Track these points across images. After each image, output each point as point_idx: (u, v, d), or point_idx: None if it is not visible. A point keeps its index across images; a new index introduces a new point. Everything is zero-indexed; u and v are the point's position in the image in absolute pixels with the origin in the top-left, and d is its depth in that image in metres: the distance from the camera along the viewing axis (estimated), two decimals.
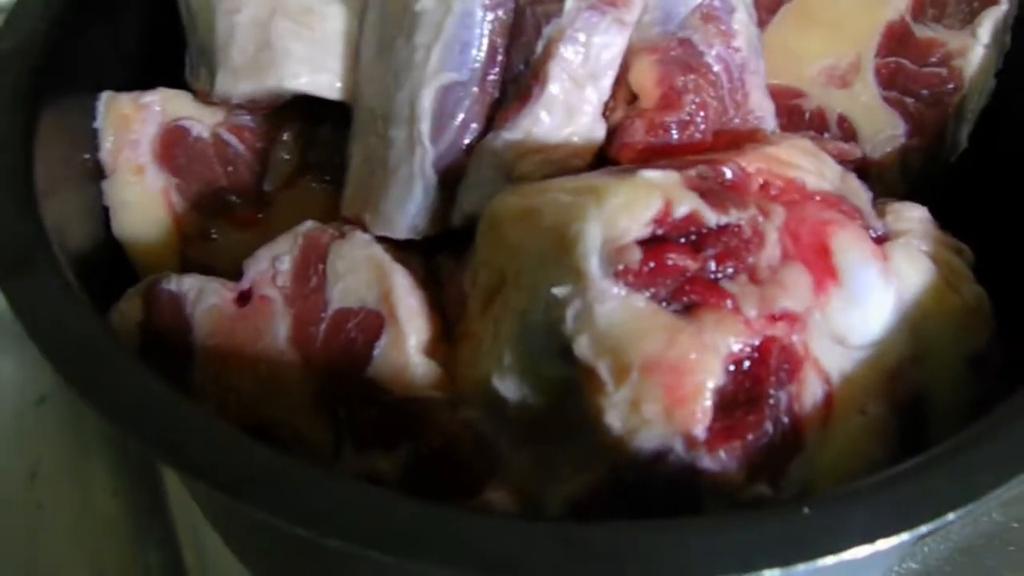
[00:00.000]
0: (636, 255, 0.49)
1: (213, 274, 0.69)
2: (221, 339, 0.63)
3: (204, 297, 0.64)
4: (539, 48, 0.58)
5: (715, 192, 0.52)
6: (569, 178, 0.55)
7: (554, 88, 0.57)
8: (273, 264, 0.64)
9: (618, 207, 0.50)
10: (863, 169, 0.70)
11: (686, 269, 0.50)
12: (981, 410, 0.57)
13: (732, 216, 0.52)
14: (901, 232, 0.60)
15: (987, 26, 0.73)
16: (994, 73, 0.75)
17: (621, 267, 0.49)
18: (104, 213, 0.73)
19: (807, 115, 0.73)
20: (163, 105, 0.73)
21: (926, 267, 0.59)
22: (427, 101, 0.59)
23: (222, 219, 0.74)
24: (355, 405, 0.60)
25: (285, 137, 0.74)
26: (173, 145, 0.73)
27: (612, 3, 0.57)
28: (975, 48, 0.72)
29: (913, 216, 0.61)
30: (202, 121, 0.74)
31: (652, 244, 0.51)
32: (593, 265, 0.50)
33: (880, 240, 0.58)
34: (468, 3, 0.58)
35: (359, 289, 0.61)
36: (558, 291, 0.50)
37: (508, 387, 0.55)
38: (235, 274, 0.66)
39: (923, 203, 0.68)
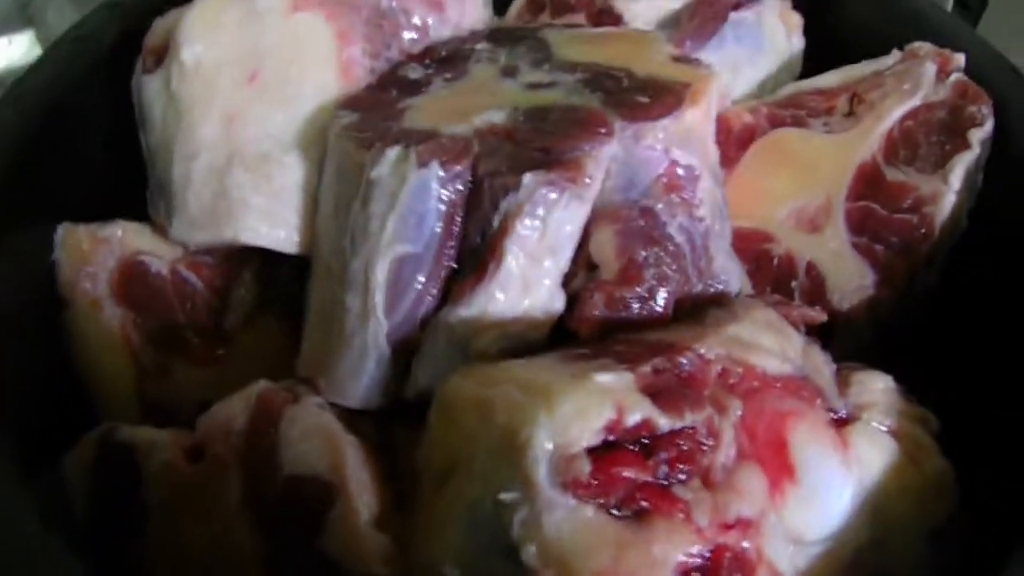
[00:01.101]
0: (585, 467, 0.48)
1: (171, 410, 0.69)
2: (172, 496, 0.62)
3: (155, 452, 0.63)
4: (496, 222, 0.57)
5: (670, 392, 0.51)
6: (524, 366, 0.54)
7: (510, 264, 0.56)
8: (227, 422, 0.63)
9: (569, 415, 0.49)
10: (831, 320, 0.69)
11: (636, 479, 0.49)
12: None
13: (687, 419, 0.51)
14: (865, 407, 0.60)
15: (958, 172, 0.72)
16: (966, 213, 0.73)
17: (570, 477, 0.48)
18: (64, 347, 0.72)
19: (775, 261, 0.72)
20: (122, 238, 0.73)
21: (888, 447, 0.58)
22: (381, 273, 0.58)
23: (180, 356, 0.73)
24: (305, 575, 0.59)
25: (245, 276, 0.73)
26: (131, 280, 0.72)
27: (571, 179, 0.56)
28: (947, 195, 0.72)
29: (877, 388, 0.61)
30: (161, 257, 0.73)
31: (602, 452, 0.50)
32: (542, 474, 0.49)
33: (842, 422, 0.57)
34: (423, 175, 0.57)
35: (310, 457, 0.60)
36: (506, 496, 0.50)
37: (459, 573, 0.53)
38: (194, 411, 0.65)
39: (892, 348, 0.68)
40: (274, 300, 0.73)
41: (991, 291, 0.73)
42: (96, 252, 0.72)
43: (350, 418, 0.61)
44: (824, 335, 0.66)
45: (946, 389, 0.65)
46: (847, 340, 0.69)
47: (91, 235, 0.72)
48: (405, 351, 0.59)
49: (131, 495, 0.62)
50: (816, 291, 0.70)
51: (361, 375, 0.59)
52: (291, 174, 0.66)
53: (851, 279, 0.71)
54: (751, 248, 0.71)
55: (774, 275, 0.71)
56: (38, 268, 0.72)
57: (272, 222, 0.66)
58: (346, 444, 0.59)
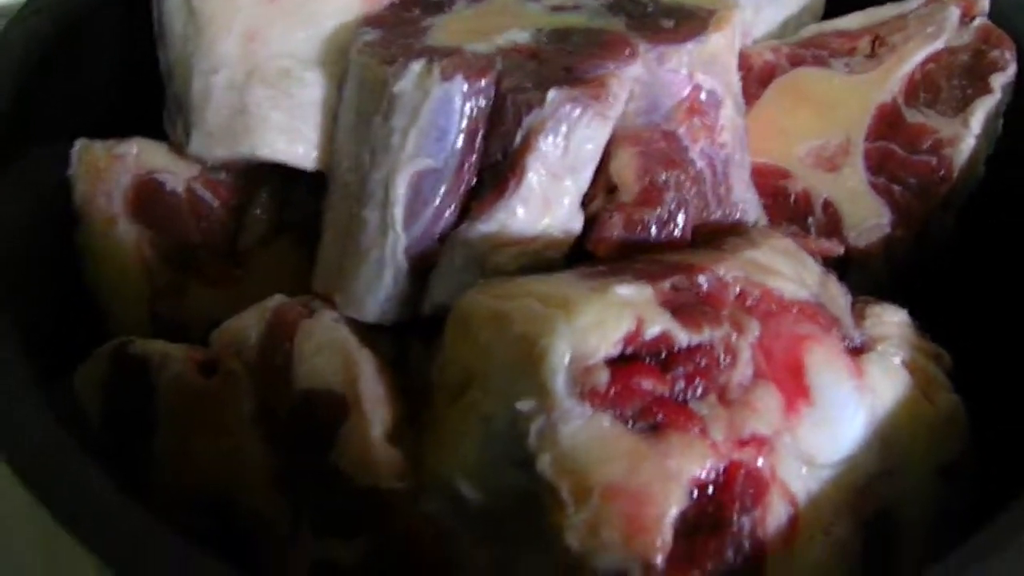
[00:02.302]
0: (604, 377, 0.48)
1: (184, 330, 0.69)
2: (184, 409, 0.62)
3: (169, 365, 0.63)
4: (518, 138, 0.56)
5: (689, 308, 0.51)
6: (543, 280, 0.54)
7: (531, 181, 0.56)
8: (240, 337, 0.62)
9: (588, 325, 0.49)
10: (846, 258, 0.69)
11: (654, 392, 0.49)
12: (951, 520, 0.57)
13: (705, 335, 0.51)
14: (879, 339, 0.59)
15: (979, 115, 0.72)
16: (984, 160, 0.72)
17: (588, 388, 0.49)
18: (77, 263, 0.72)
19: (792, 198, 0.72)
20: (138, 156, 0.72)
21: (902, 379, 0.58)
22: (401, 186, 0.57)
23: (194, 275, 0.73)
24: (315, 489, 0.59)
25: (261, 196, 0.73)
26: (146, 198, 0.72)
27: (595, 97, 0.56)
28: (966, 138, 0.72)
29: (892, 321, 0.61)
30: (177, 174, 0.72)
31: (621, 364, 0.50)
32: (560, 383, 0.49)
33: (857, 351, 0.57)
34: (447, 89, 0.56)
35: (325, 372, 0.60)
36: (523, 406, 0.50)
37: (470, 488, 0.54)
38: (206, 331, 0.65)
39: (907, 291, 0.67)
40: (290, 221, 0.73)
41: (1006, 239, 0.72)
42: (112, 169, 0.72)
43: (366, 333, 0.61)
44: (840, 272, 0.66)
45: (959, 333, 0.65)
46: (862, 277, 0.69)
47: (107, 151, 0.72)
48: (423, 266, 0.58)
49: (143, 408, 0.62)
50: (832, 228, 0.70)
51: (378, 289, 0.59)
52: (311, 91, 0.65)
53: (868, 217, 0.71)
54: (768, 184, 0.71)
55: (791, 211, 0.70)
56: (53, 183, 0.72)
57: (291, 138, 0.65)
58: (361, 358, 0.59)
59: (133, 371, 0.64)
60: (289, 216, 0.73)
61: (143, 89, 0.74)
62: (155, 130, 0.73)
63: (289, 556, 0.58)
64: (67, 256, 0.72)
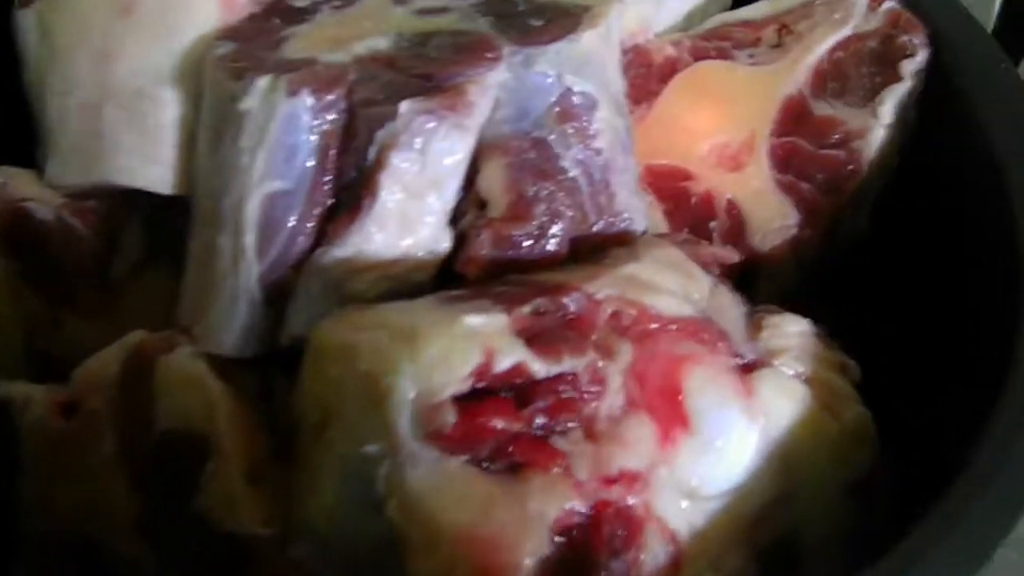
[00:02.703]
0: (450, 417, 0.45)
1: (62, 363, 0.64)
2: (46, 453, 0.59)
3: (30, 407, 0.60)
4: (371, 155, 0.53)
5: (548, 335, 0.47)
6: (397, 309, 0.51)
7: (386, 200, 0.53)
8: (101, 374, 0.60)
9: (433, 360, 0.45)
10: (752, 262, 0.66)
11: (509, 429, 0.45)
12: (862, 538, 0.54)
13: (566, 364, 0.47)
14: (776, 352, 0.56)
15: (889, 105, 0.68)
16: (898, 151, 0.69)
17: (433, 429, 0.45)
18: None
19: (694, 200, 0.68)
20: (5, 185, 0.68)
21: (799, 395, 0.55)
22: (252, 211, 0.54)
23: (69, 307, 0.69)
24: (180, 534, 0.56)
25: (133, 221, 0.69)
26: (16, 228, 0.68)
27: (451, 107, 0.52)
28: (876, 129, 0.68)
29: (792, 331, 0.57)
30: (47, 203, 0.68)
31: (471, 400, 0.46)
32: (404, 425, 0.46)
33: (748, 368, 0.53)
34: (293, 105, 0.53)
35: (184, 410, 0.57)
36: (370, 449, 0.46)
37: (332, 531, 0.51)
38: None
39: (819, 294, 0.65)
40: (163, 249, 0.69)
41: (924, 233, 0.69)
42: None
43: (228, 367, 0.58)
44: (749, 279, 0.64)
45: (877, 339, 0.63)
46: (771, 283, 0.66)
47: None
48: (279, 295, 0.55)
49: (9, 451, 0.60)
50: (736, 231, 0.66)
51: (233, 321, 0.55)
52: (167, 111, 0.61)
53: (774, 219, 0.67)
54: (669, 186, 0.68)
55: (692, 215, 0.67)
56: None
57: (146, 161, 0.62)
58: (219, 394, 0.56)
59: None
60: (163, 243, 0.69)
61: (15, 116, 0.70)
62: (28, 160, 0.69)
63: None
64: None
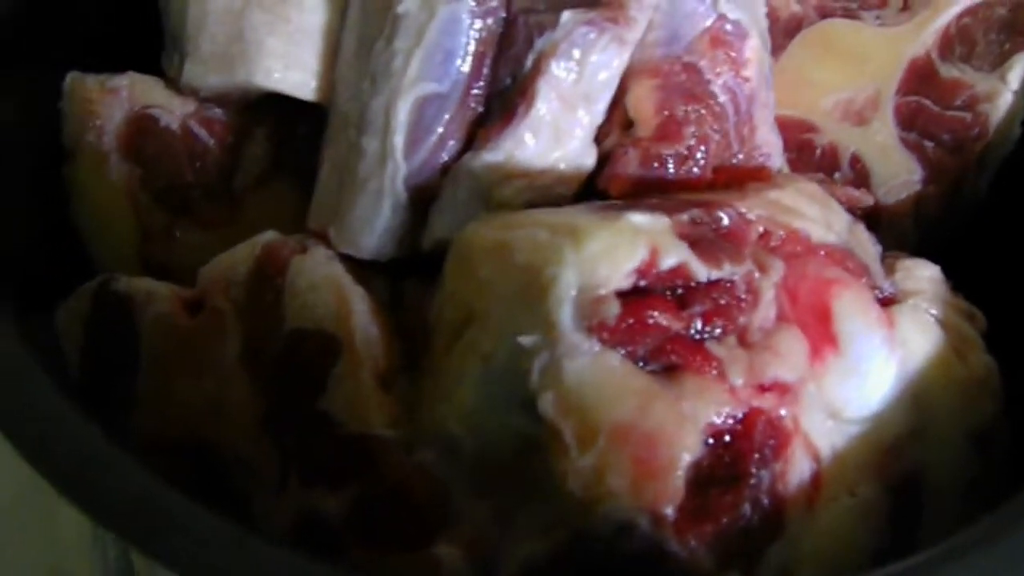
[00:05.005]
0: (614, 309, 0.45)
1: (173, 275, 0.65)
2: (167, 349, 0.59)
3: (153, 302, 0.60)
4: (529, 62, 0.53)
5: (708, 242, 0.47)
6: (550, 211, 0.51)
7: (542, 108, 0.53)
8: (228, 273, 0.60)
9: (598, 253, 0.46)
10: (874, 215, 0.66)
11: (669, 328, 0.45)
12: (980, 492, 0.54)
13: (725, 271, 0.47)
14: (910, 293, 0.56)
15: (1018, 71, 0.69)
16: (1021, 121, 0.69)
17: (596, 321, 0.45)
18: (64, 201, 0.69)
19: (818, 152, 0.69)
20: (131, 91, 0.69)
21: (934, 335, 0.55)
22: (403, 112, 0.54)
23: (186, 217, 0.70)
24: (304, 435, 0.56)
25: (259, 134, 0.70)
26: (139, 134, 0.69)
27: (613, 19, 0.52)
28: (1004, 94, 0.68)
29: (924, 276, 0.57)
30: (172, 111, 0.69)
31: (633, 297, 0.46)
32: (565, 316, 0.45)
33: (886, 302, 0.54)
34: (454, 8, 0.53)
35: (316, 310, 0.57)
36: (525, 340, 0.46)
37: (467, 434, 0.51)
38: (195, 277, 0.62)
39: (936, 254, 0.64)
40: (287, 162, 0.69)
41: None
42: (104, 104, 0.68)
43: (361, 272, 0.58)
44: (870, 230, 0.62)
45: (987, 302, 0.62)
46: (891, 236, 0.66)
47: (100, 85, 0.69)
48: (423, 198, 0.55)
49: (125, 347, 0.60)
50: (860, 183, 0.67)
51: (375, 222, 0.56)
52: (310, 16, 0.63)
53: (898, 174, 0.68)
54: (793, 137, 0.68)
55: (817, 165, 0.68)
56: (43, 117, 0.69)
57: (287, 64, 0.63)
58: (355, 296, 0.56)
59: (116, 309, 0.61)
60: (287, 156, 0.69)
61: (139, 27, 0.71)
62: (151, 67, 0.71)
63: (275, 505, 0.55)
64: (55, 191, 0.69)
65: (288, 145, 0.70)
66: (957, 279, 0.63)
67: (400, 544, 0.52)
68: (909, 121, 0.70)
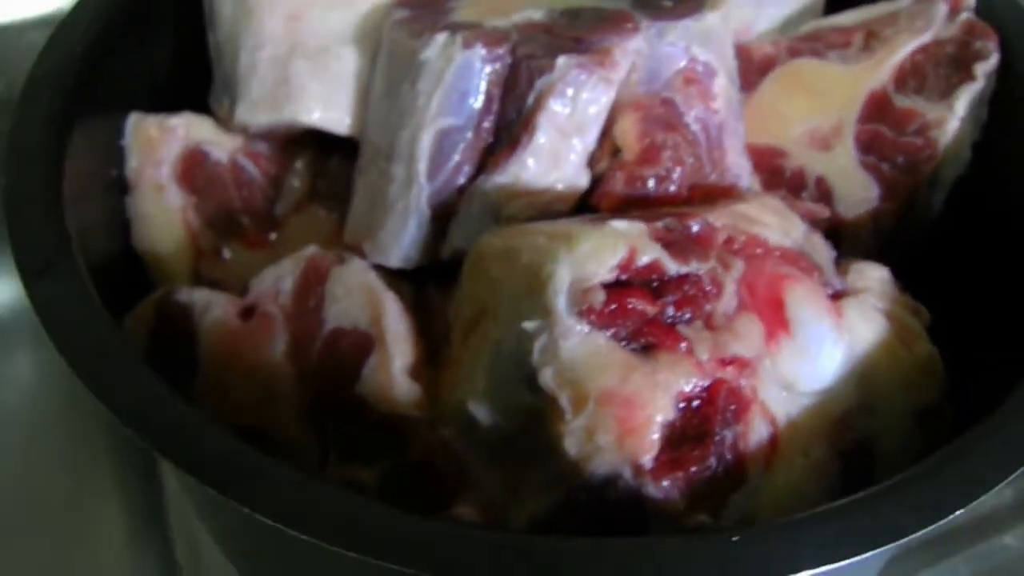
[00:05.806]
0: (600, 297, 0.54)
1: (222, 289, 0.74)
2: (223, 349, 0.68)
3: (211, 310, 0.69)
4: (531, 100, 0.63)
5: (679, 243, 0.56)
6: (549, 223, 0.60)
7: (542, 138, 0.62)
8: (276, 283, 0.68)
9: (587, 252, 0.55)
10: (837, 229, 0.75)
11: (645, 313, 0.54)
12: None
13: (692, 266, 0.56)
14: (860, 290, 0.64)
15: (963, 100, 0.77)
16: (970, 144, 0.78)
17: (586, 307, 0.54)
18: (126, 225, 0.78)
19: (788, 174, 0.77)
20: (186, 129, 0.78)
21: (879, 324, 0.63)
22: (426, 143, 0.64)
23: (234, 239, 0.79)
24: (342, 419, 0.64)
25: (297, 165, 0.79)
26: (193, 167, 0.78)
27: (600, 63, 0.62)
28: (951, 120, 0.77)
29: (874, 275, 0.65)
30: (221, 146, 0.79)
31: (616, 288, 0.55)
32: (561, 303, 0.54)
33: (837, 296, 0.62)
34: (468, 56, 0.63)
35: (353, 311, 0.65)
36: (528, 325, 0.55)
37: (481, 411, 0.59)
38: (242, 291, 0.70)
39: (894, 264, 0.72)
40: (323, 190, 0.79)
41: (991, 221, 0.78)
42: (162, 140, 0.78)
43: (391, 279, 0.67)
44: (833, 243, 0.71)
45: (940, 308, 0.69)
46: (852, 247, 0.74)
47: (159, 124, 0.78)
48: (443, 215, 0.65)
49: (186, 350, 0.68)
50: (824, 201, 0.75)
51: (403, 236, 0.65)
52: (346, 64, 0.72)
53: (857, 191, 0.76)
54: (765, 162, 0.76)
55: (786, 186, 0.75)
56: (108, 153, 0.77)
57: (327, 105, 0.72)
58: (386, 298, 0.65)
59: (178, 316, 0.69)
60: (323, 185, 0.79)
61: (192, 70, 0.81)
62: (201, 108, 0.80)
63: None
64: (118, 219, 0.78)
65: (323, 175, 0.79)
66: (918, 285, 0.70)
67: (425, 507, 0.59)
68: (868, 146, 0.78)
